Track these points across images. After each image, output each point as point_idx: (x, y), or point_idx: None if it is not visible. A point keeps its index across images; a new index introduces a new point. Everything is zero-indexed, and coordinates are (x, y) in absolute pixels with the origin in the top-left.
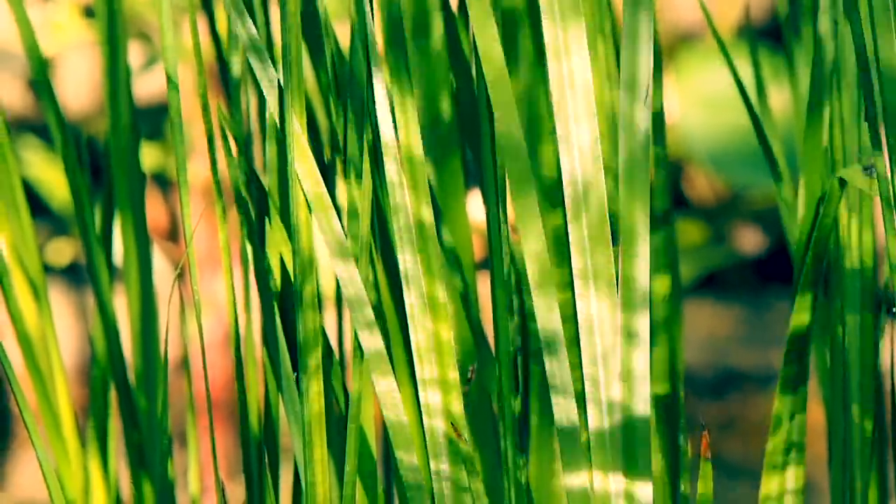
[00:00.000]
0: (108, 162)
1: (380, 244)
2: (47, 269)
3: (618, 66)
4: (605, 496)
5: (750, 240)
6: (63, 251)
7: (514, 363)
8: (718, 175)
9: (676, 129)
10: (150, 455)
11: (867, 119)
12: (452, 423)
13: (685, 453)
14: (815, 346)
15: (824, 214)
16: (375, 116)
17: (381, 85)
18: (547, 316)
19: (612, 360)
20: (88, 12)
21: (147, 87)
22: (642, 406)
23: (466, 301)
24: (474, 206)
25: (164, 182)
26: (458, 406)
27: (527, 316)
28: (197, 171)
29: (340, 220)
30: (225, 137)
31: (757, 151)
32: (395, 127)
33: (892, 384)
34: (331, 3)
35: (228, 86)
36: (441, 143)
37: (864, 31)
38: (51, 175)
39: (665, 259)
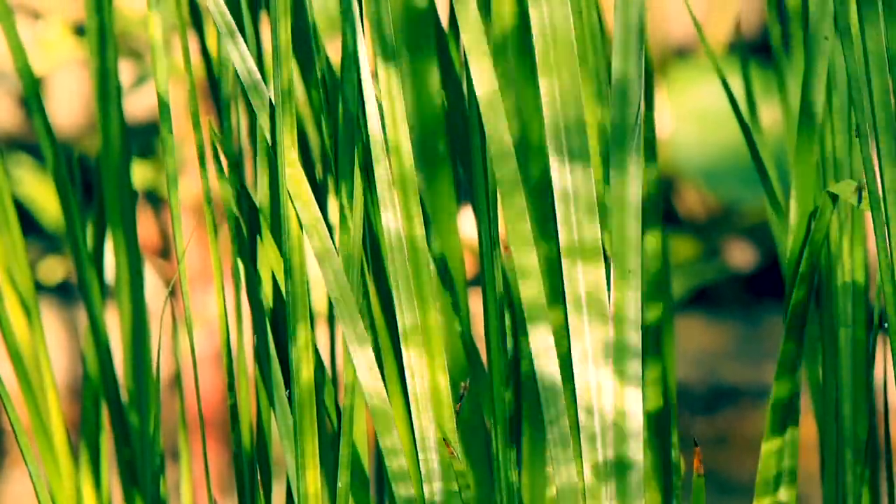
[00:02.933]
0: (100, 180)
1: (371, 261)
2: (39, 287)
3: (609, 81)
4: None
5: (742, 255)
6: (55, 269)
7: (507, 380)
8: (710, 190)
9: (668, 144)
10: (143, 472)
11: (858, 134)
12: (445, 440)
13: (678, 469)
14: (808, 361)
15: (816, 229)
16: (367, 133)
17: (372, 102)
18: (539, 335)
19: (604, 381)
20: (79, 30)
21: (138, 104)
22: (636, 428)
23: (458, 317)
24: (466, 223)
25: (156, 199)
26: (450, 422)
27: (519, 332)
28: (188, 188)
29: (332, 236)
30: (216, 155)
31: (749, 167)
32: (387, 144)
33: (885, 399)
34: (322, 21)
35: (219, 103)
36: (432, 159)
37: (855, 45)
38: (42, 193)
39: (656, 274)
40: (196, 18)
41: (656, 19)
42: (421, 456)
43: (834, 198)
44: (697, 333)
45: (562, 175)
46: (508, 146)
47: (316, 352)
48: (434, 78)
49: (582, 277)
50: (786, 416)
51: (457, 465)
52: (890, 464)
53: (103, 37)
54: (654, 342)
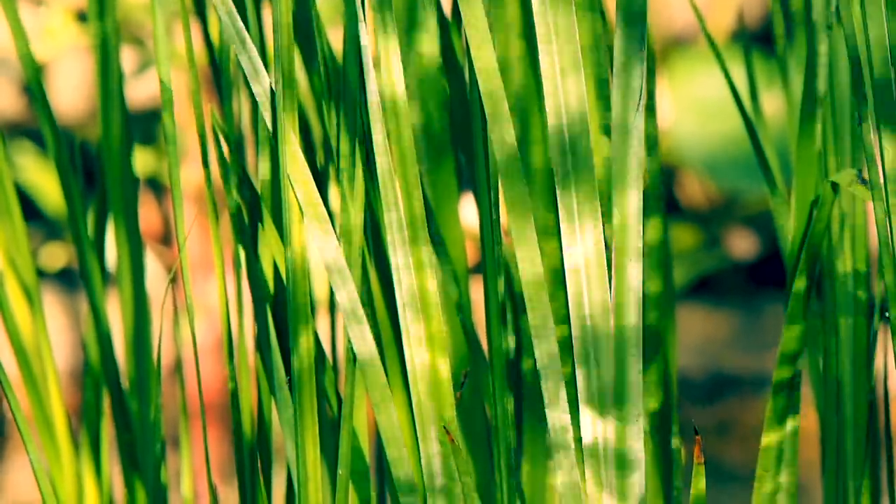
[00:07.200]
0: (101, 166)
1: (373, 248)
2: (40, 273)
3: (611, 69)
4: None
5: (743, 244)
6: (56, 256)
7: (507, 368)
8: (711, 180)
9: (669, 134)
10: (143, 459)
11: (860, 124)
12: (445, 428)
13: (678, 458)
14: (808, 350)
15: (817, 219)
16: (368, 121)
17: (373, 89)
18: (540, 322)
19: (604, 360)
20: (82, 17)
21: (140, 91)
22: (635, 395)
23: (459, 305)
24: (467, 211)
25: (158, 186)
26: (450, 409)
27: (520, 320)
28: (190, 175)
29: (333, 224)
30: (218, 142)
31: (750, 156)
32: (388, 131)
33: (886, 388)
34: (324, 8)
35: (221, 90)
36: (434, 146)
37: (857, 36)
38: (44, 180)
39: (658, 263)
40: (198, 5)
41: (658, 8)
42: (421, 443)
43: (835, 187)
44: (698, 322)
45: (563, 164)
46: (510, 133)
47: (316, 339)
48: (436, 65)
49: (583, 265)
50: (787, 405)
51: (456, 452)
52: (890, 453)
53: (105, 23)
54: (656, 331)
